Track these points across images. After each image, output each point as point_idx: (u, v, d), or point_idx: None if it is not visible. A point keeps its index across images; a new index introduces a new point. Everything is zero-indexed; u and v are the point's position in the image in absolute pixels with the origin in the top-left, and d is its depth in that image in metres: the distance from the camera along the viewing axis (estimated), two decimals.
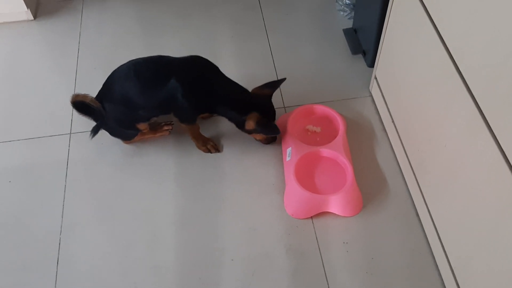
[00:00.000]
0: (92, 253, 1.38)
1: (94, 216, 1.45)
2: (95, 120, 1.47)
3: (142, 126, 1.51)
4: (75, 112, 1.65)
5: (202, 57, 1.45)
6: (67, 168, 1.54)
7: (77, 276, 1.34)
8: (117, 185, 1.51)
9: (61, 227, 1.42)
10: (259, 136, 1.53)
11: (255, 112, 1.42)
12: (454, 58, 1.07)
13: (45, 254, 1.37)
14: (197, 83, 1.40)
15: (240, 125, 1.48)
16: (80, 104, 1.41)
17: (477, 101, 0.99)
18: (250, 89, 1.48)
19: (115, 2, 2.07)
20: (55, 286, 1.32)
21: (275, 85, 1.50)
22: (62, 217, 1.44)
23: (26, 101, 1.73)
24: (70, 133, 1.63)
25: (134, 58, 1.46)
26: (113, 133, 1.54)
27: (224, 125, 1.65)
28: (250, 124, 1.44)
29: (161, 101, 1.41)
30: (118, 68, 1.45)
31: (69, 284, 1.32)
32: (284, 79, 1.50)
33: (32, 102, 1.72)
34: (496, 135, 0.94)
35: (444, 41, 1.10)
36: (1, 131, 1.64)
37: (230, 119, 1.49)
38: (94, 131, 1.48)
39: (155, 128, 1.60)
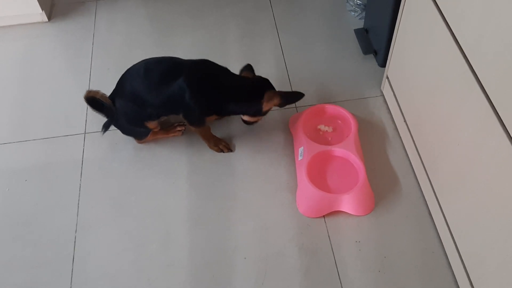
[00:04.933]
0: (107, 251, 1.40)
1: (108, 215, 1.47)
2: (106, 116, 1.49)
3: (151, 124, 1.52)
4: (89, 112, 1.69)
5: (210, 61, 1.47)
6: (82, 167, 1.56)
7: (92, 274, 1.35)
8: (131, 184, 1.53)
9: (76, 225, 1.44)
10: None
11: (269, 90, 1.44)
12: (467, 56, 1.07)
13: (61, 251, 1.39)
14: (205, 83, 1.42)
15: (257, 112, 1.47)
16: (92, 100, 1.43)
17: (491, 99, 0.99)
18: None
19: (127, 3, 2.09)
20: (71, 283, 1.34)
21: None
22: (77, 215, 1.46)
23: (41, 101, 1.75)
24: (85, 132, 1.65)
25: (146, 57, 1.49)
26: (124, 131, 1.56)
27: (236, 125, 1.66)
28: (271, 103, 1.44)
29: (167, 98, 1.42)
30: (132, 66, 1.47)
31: (84, 281, 1.34)
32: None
33: (47, 102, 1.75)
34: (510, 133, 0.94)
35: (457, 39, 1.10)
36: (17, 131, 1.67)
37: (246, 113, 1.50)
38: (105, 127, 1.50)
39: (167, 128, 1.61)
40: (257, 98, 1.44)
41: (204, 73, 1.44)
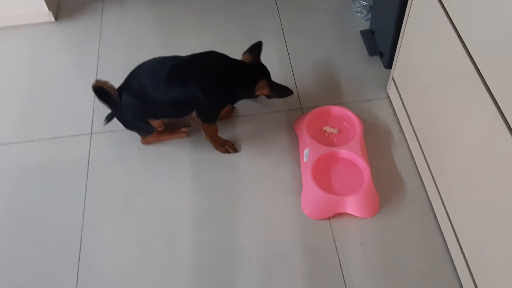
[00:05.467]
0: (112, 250, 1.40)
1: (114, 214, 1.47)
2: (111, 108, 1.50)
3: (154, 123, 1.53)
4: (95, 112, 1.70)
5: (210, 52, 1.50)
6: (88, 167, 1.57)
7: (98, 272, 1.36)
8: (136, 184, 1.54)
9: (82, 224, 1.45)
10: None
11: (263, 80, 1.48)
12: (474, 58, 1.07)
13: (66, 250, 1.40)
14: (214, 77, 1.45)
15: (250, 96, 1.55)
16: (100, 89, 1.45)
17: (497, 102, 0.99)
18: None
19: (134, 3, 2.10)
20: (77, 282, 1.35)
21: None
22: (83, 214, 1.47)
23: (48, 101, 1.76)
24: (91, 133, 1.66)
25: (152, 58, 1.49)
26: (126, 125, 1.57)
27: (241, 127, 1.66)
28: (263, 91, 1.50)
29: (176, 99, 1.45)
30: (142, 63, 1.49)
31: (90, 280, 1.35)
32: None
33: (53, 102, 1.76)
34: None
35: (464, 42, 1.10)
36: (24, 130, 1.68)
37: (249, 97, 1.56)
38: (108, 118, 1.51)
39: (172, 129, 1.62)
40: (251, 85, 1.48)
41: (210, 68, 1.46)
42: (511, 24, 0.93)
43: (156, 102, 1.46)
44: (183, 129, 1.63)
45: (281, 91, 1.52)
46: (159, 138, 1.60)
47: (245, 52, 1.54)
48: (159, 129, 1.57)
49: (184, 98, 1.44)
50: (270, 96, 1.52)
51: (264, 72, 1.52)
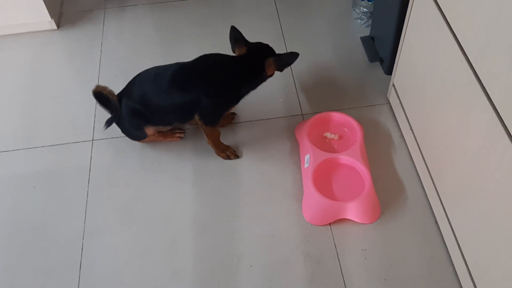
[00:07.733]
0: (114, 258, 1.40)
1: (115, 222, 1.48)
2: (110, 112, 1.51)
3: (149, 130, 1.54)
4: (97, 119, 1.71)
5: (210, 55, 1.50)
6: (89, 174, 1.58)
7: (99, 281, 1.36)
8: (137, 191, 1.54)
9: (83, 232, 1.45)
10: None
11: (267, 60, 1.46)
12: (473, 65, 1.07)
13: (68, 258, 1.40)
14: (216, 78, 1.45)
15: (264, 80, 1.51)
16: (100, 94, 1.47)
17: (497, 108, 1.00)
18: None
19: (135, 12, 2.12)
20: None
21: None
22: (84, 222, 1.47)
23: (50, 108, 1.77)
24: (92, 140, 1.66)
25: (153, 66, 1.51)
26: (123, 130, 1.58)
27: (242, 133, 1.67)
28: (271, 70, 1.47)
29: (180, 103, 1.46)
30: (143, 71, 1.51)
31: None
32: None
33: (55, 109, 1.77)
34: None
35: (463, 48, 1.11)
36: (26, 138, 1.69)
37: (256, 87, 1.51)
38: (108, 123, 1.52)
39: (165, 133, 1.63)
40: (260, 71, 1.47)
41: (212, 70, 1.46)
42: (509, 31, 0.93)
43: (159, 109, 1.47)
44: (178, 134, 1.64)
45: (288, 61, 1.50)
46: (153, 139, 1.61)
47: (233, 48, 1.52)
48: (153, 136, 1.58)
49: (187, 102, 1.45)
50: (279, 69, 1.49)
51: (264, 52, 1.50)
